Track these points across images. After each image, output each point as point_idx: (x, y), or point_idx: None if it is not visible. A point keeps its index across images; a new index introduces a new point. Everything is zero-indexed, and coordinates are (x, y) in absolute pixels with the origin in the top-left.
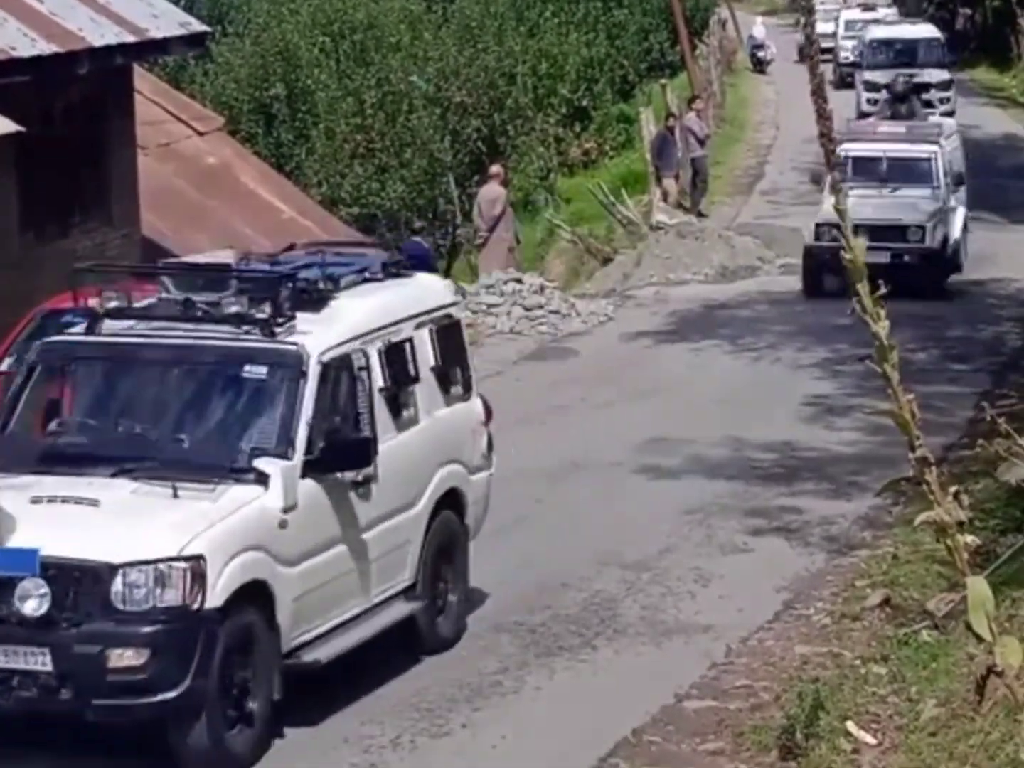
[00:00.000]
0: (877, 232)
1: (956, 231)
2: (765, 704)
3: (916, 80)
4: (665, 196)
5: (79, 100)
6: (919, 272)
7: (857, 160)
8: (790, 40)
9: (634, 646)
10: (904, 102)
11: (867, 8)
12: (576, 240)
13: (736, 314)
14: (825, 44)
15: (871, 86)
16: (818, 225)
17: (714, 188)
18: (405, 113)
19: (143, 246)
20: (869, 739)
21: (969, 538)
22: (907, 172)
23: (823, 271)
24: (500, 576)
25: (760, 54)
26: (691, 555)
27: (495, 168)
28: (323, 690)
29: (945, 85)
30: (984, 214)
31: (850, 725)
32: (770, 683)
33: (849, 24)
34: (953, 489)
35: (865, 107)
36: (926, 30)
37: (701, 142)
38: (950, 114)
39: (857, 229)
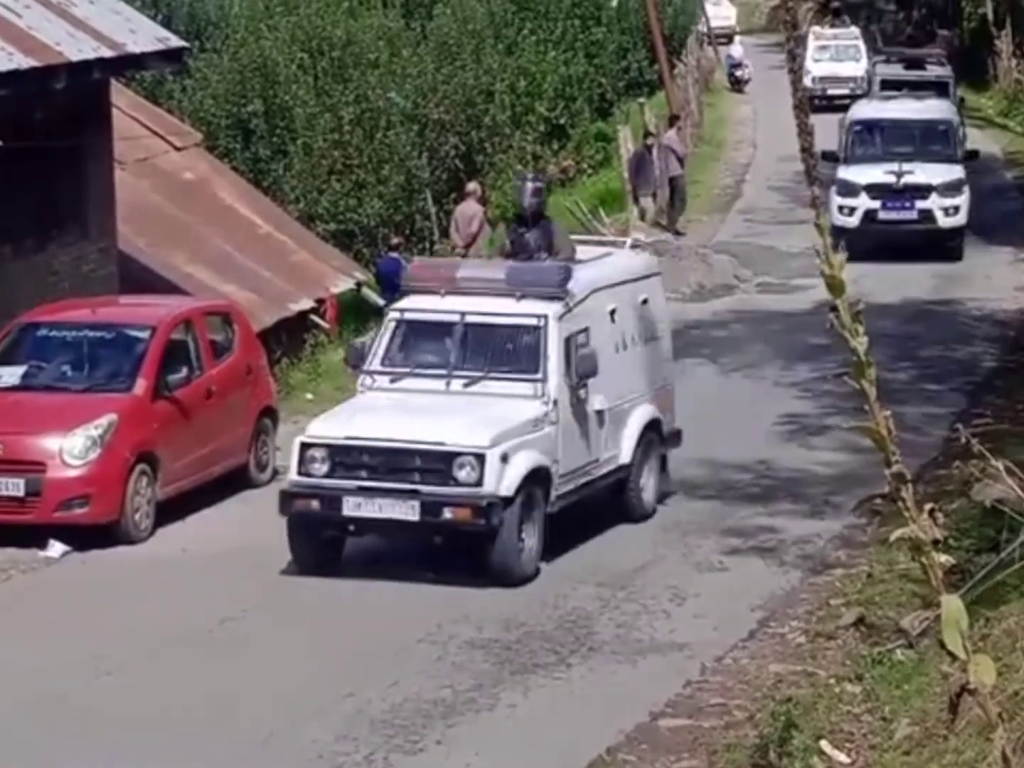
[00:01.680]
0: None
1: None
2: (739, 722)
3: (909, 180)
4: (643, 214)
5: (56, 114)
6: None
7: None
8: (768, 59)
9: (609, 664)
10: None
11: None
12: None
13: (713, 333)
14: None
15: (847, 188)
16: None
17: (692, 207)
18: (383, 130)
19: (120, 260)
20: (842, 758)
21: (944, 557)
22: None
23: None
24: (475, 592)
25: (738, 73)
26: (667, 573)
27: (472, 185)
28: (296, 705)
29: (954, 187)
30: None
31: (824, 744)
32: (744, 701)
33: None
34: (928, 507)
35: (838, 219)
36: (936, 108)
37: (680, 161)
38: (956, 248)
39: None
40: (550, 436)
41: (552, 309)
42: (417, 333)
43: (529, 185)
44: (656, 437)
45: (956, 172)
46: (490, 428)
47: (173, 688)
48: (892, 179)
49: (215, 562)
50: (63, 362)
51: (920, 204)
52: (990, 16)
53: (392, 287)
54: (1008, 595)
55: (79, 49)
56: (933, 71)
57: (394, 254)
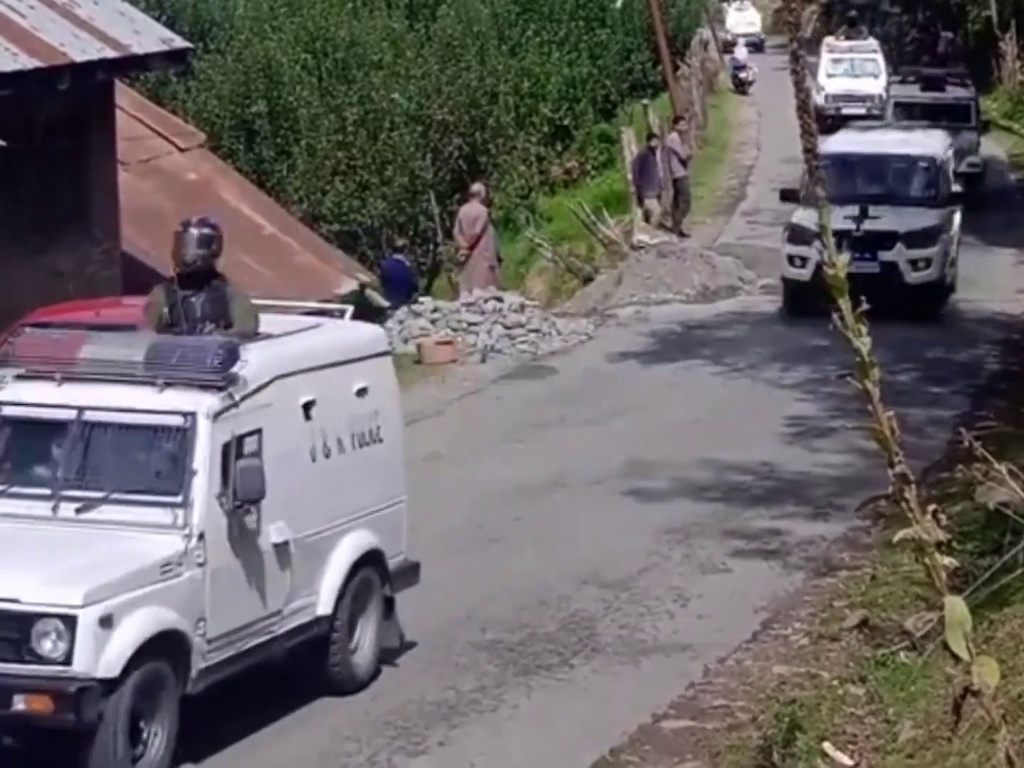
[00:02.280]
0: None
1: None
2: (742, 724)
3: (870, 227)
4: (647, 216)
5: (60, 115)
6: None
7: None
8: (773, 61)
9: (612, 665)
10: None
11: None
12: (557, 259)
13: (717, 334)
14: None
15: (799, 235)
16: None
17: (696, 208)
18: (387, 131)
19: (123, 262)
20: (846, 760)
21: (947, 559)
22: None
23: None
24: (479, 594)
25: (742, 75)
26: (670, 574)
27: (476, 187)
28: (299, 706)
29: (926, 236)
30: (964, 236)
31: (827, 746)
32: (748, 703)
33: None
34: (931, 508)
35: (788, 271)
36: (921, 142)
37: (683, 162)
38: (929, 308)
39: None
40: (191, 584)
41: (205, 403)
42: (19, 435)
43: (194, 232)
44: (376, 575)
45: (930, 218)
46: (87, 578)
47: None
48: (851, 225)
49: None
50: None
51: (883, 255)
52: (994, 18)
53: (396, 288)
54: (1012, 597)
55: (83, 50)
56: (952, 93)
57: (398, 255)
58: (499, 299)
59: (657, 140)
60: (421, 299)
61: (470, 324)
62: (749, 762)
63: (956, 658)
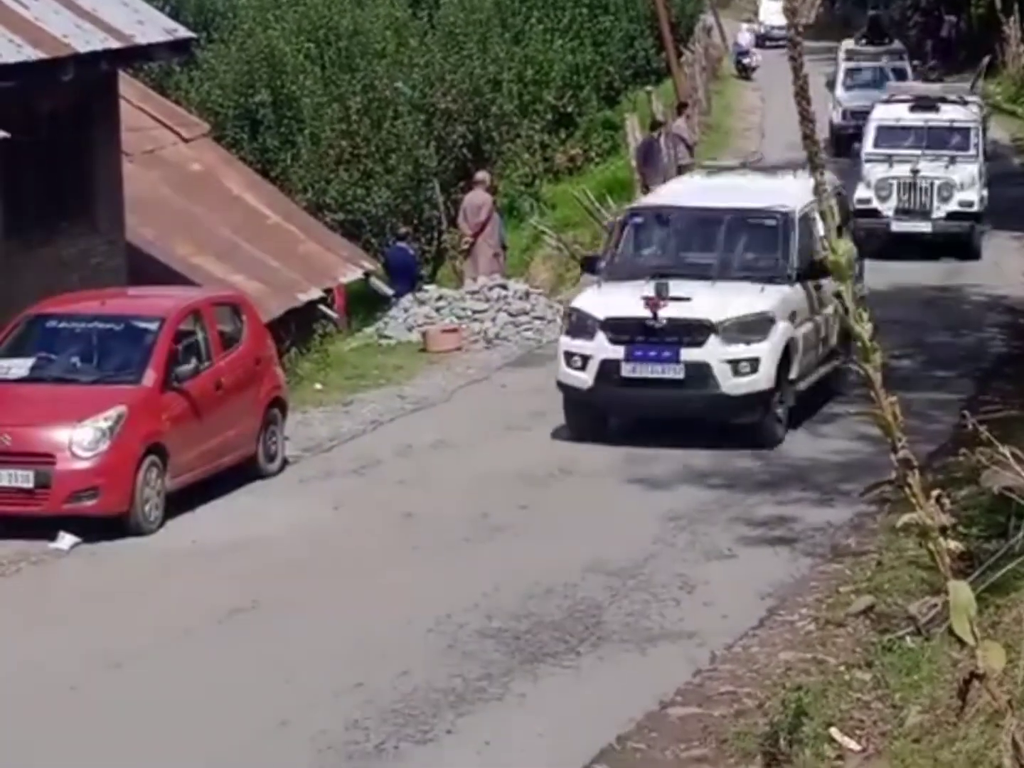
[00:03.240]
0: None
1: None
2: (749, 710)
3: (671, 313)
4: None
5: (64, 106)
6: None
7: None
8: (776, 47)
9: (618, 653)
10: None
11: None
12: (562, 246)
13: None
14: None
15: (579, 324)
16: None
17: None
18: (390, 119)
19: (128, 252)
20: (853, 745)
21: (952, 544)
22: None
23: None
24: (485, 582)
25: (745, 61)
26: (676, 561)
27: (481, 174)
28: (306, 694)
29: (755, 326)
30: None
31: (834, 731)
32: (754, 689)
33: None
34: (935, 493)
35: (563, 374)
36: (782, 191)
37: (690, 149)
38: (762, 431)
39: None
40: None
41: None
42: None
43: None
44: None
45: (765, 300)
46: None
47: (183, 679)
48: (644, 312)
49: (225, 553)
50: (72, 354)
51: (689, 354)
52: (998, 2)
53: (401, 277)
54: (1018, 582)
55: (87, 41)
56: (948, 114)
57: (402, 244)
58: (504, 287)
59: (661, 127)
60: (425, 287)
61: (475, 312)
62: (756, 748)
63: (962, 643)
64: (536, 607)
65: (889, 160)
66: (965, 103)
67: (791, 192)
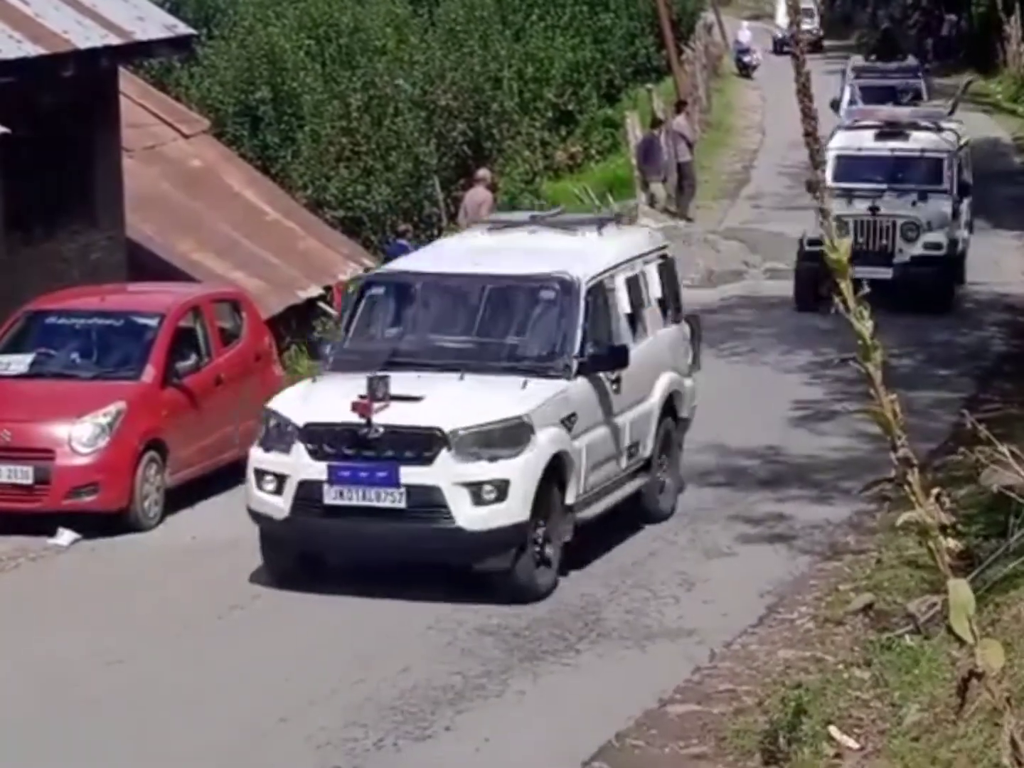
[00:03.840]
0: None
1: None
2: (748, 708)
3: (395, 421)
4: (652, 200)
5: (65, 102)
6: None
7: None
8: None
9: (618, 650)
10: None
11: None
12: None
13: (721, 318)
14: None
15: (274, 432)
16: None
17: (700, 192)
18: (391, 116)
19: (128, 248)
20: (852, 744)
21: (952, 542)
22: None
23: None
24: (484, 579)
25: (746, 59)
26: (675, 559)
27: (482, 172)
28: (306, 691)
29: (505, 439)
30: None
31: (833, 730)
32: (753, 687)
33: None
34: (935, 491)
35: (254, 499)
36: (539, 260)
37: (690, 146)
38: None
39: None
40: None
41: None
42: None
43: None
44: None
45: (523, 401)
46: None
47: (182, 675)
48: (356, 419)
49: (224, 549)
50: (72, 350)
51: (411, 474)
52: (999, 1)
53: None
54: (1017, 580)
55: (87, 37)
56: (919, 143)
57: (402, 240)
58: None
59: (661, 125)
60: None
61: None
62: (755, 746)
63: (961, 641)
64: (535, 604)
65: (848, 195)
66: (940, 129)
67: (588, 254)
